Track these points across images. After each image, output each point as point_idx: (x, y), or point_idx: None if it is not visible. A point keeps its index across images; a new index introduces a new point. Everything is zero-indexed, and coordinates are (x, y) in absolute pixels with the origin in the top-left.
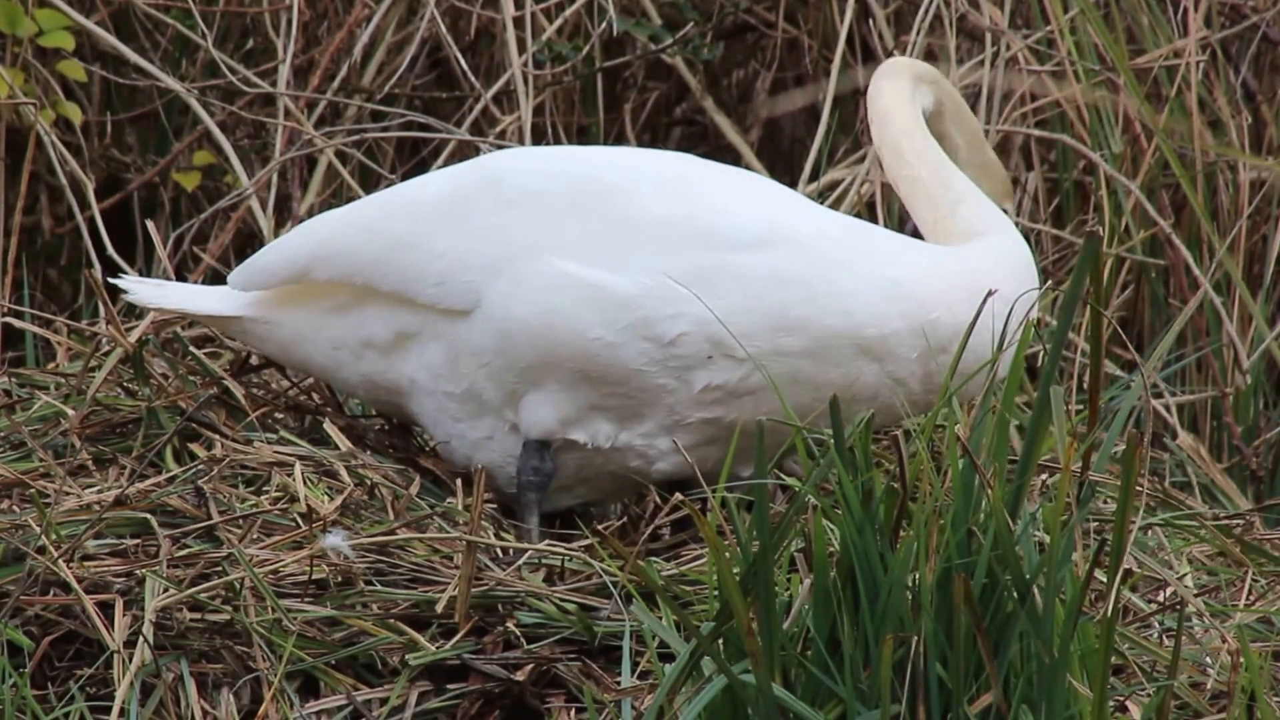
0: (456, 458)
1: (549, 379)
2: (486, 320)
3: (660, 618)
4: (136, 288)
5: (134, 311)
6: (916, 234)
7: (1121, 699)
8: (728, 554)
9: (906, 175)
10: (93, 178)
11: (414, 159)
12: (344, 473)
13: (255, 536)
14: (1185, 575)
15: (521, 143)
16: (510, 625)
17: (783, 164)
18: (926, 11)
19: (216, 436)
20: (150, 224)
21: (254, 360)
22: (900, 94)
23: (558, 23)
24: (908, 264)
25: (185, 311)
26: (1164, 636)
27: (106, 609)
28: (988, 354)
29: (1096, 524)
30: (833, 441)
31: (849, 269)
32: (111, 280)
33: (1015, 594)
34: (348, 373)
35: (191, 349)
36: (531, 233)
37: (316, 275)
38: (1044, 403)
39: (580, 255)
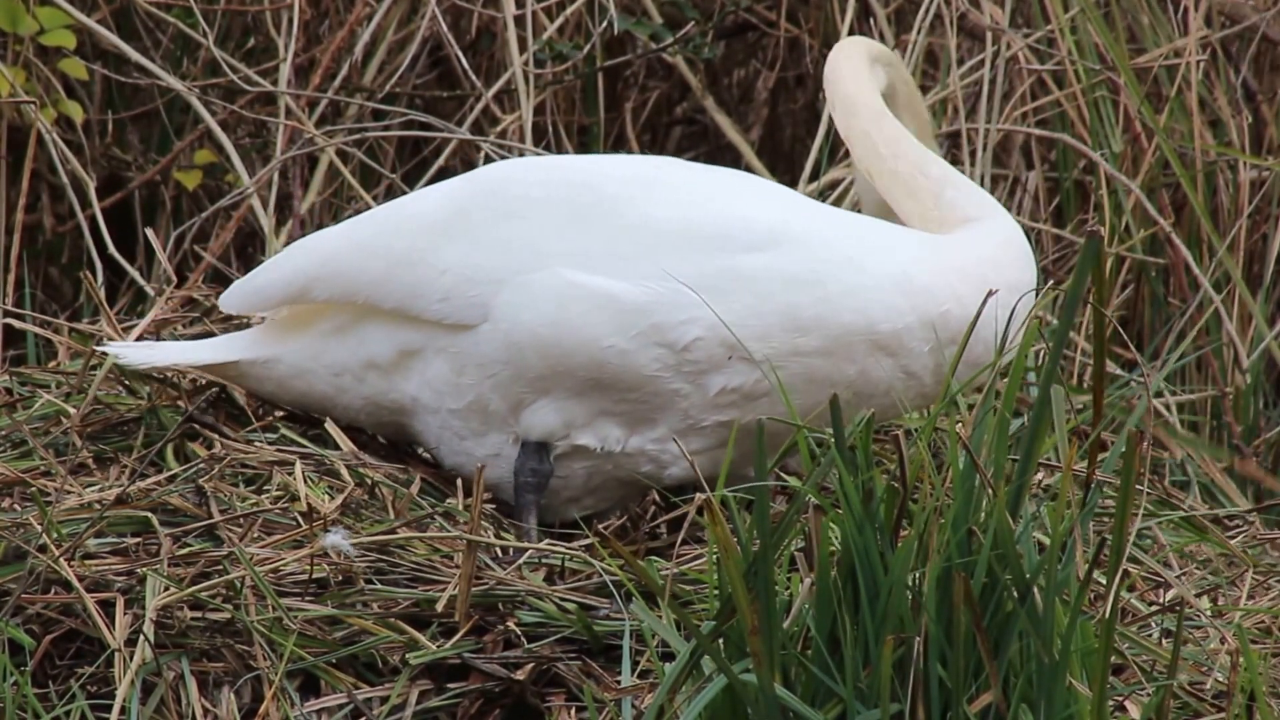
0: (464, 475)
1: (558, 387)
2: (494, 332)
3: (660, 617)
4: (125, 352)
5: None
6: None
7: (1121, 699)
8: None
9: (883, 169)
10: (94, 176)
11: (415, 158)
12: (345, 472)
13: (256, 535)
14: (1185, 575)
15: (522, 142)
16: (510, 624)
17: (783, 163)
18: (927, 11)
19: (216, 436)
20: (150, 231)
21: None
22: (860, 77)
23: (558, 21)
24: (914, 257)
25: (180, 366)
26: (1163, 636)
27: (107, 607)
28: (993, 345)
29: (1097, 517)
30: (833, 441)
31: (858, 265)
32: (98, 349)
33: (1015, 594)
34: (350, 397)
35: None
36: (535, 243)
37: (316, 295)
38: (1044, 402)
39: (586, 264)
